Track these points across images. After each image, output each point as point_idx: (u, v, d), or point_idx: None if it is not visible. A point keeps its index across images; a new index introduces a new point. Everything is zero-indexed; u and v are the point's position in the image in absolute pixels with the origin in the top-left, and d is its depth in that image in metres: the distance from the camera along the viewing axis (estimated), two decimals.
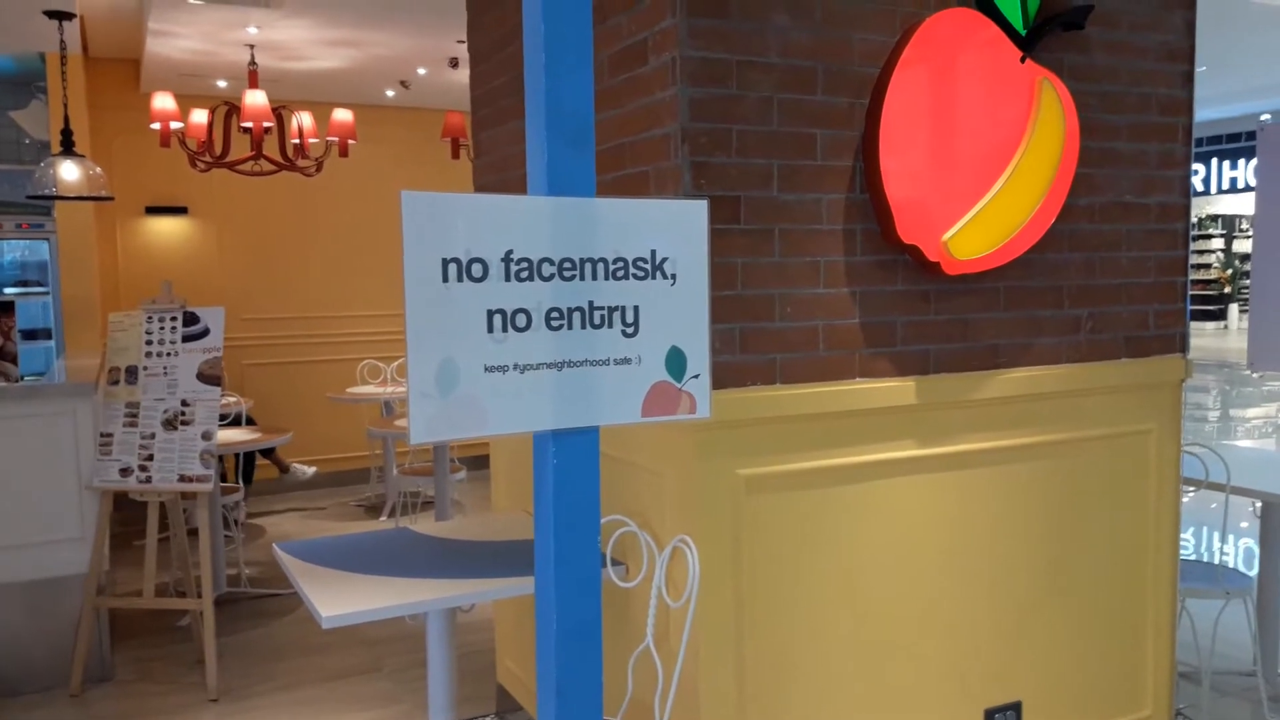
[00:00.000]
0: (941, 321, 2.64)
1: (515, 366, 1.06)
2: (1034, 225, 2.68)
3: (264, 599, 4.99)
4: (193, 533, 4.64)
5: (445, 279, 1.02)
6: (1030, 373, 2.76)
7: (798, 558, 2.50)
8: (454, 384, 1.05)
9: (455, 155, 6.23)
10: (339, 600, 2.43)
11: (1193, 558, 4.98)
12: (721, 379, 2.36)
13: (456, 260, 1.02)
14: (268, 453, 6.89)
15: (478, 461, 7.26)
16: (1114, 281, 2.91)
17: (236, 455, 6.61)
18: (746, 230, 2.38)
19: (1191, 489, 3.40)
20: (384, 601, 2.45)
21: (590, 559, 1.12)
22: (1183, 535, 3.14)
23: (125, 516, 5.57)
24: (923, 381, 2.60)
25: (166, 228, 7.10)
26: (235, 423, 5.62)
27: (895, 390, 2.56)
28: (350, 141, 5.89)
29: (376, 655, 4.24)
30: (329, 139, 5.89)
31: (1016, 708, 2.81)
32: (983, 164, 2.60)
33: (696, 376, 1.14)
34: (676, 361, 1.14)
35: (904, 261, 2.58)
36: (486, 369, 1.05)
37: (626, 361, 1.11)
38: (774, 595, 2.48)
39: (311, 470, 7.03)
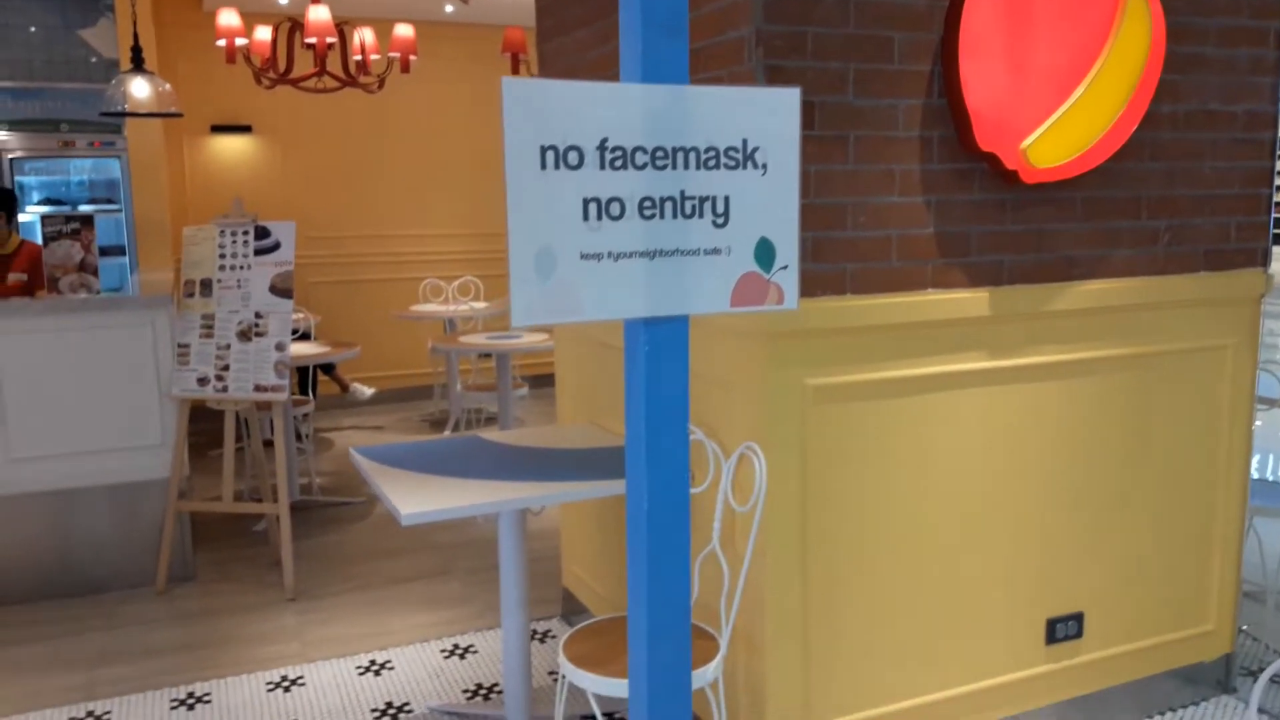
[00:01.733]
0: (1016, 232, 2.61)
1: (609, 255, 1.08)
2: (1114, 133, 2.61)
3: (335, 507, 5.16)
4: (267, 444, 4.80)
5: (543, 166, 1.04)
6: (1105, 285, 2.72)
7: (864, 467, 2.52)
8: (551, 270, 1.07)
9: (515, 70, 6.19)
10: (416, 500, 2.52)
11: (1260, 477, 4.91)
12: None
13: (554, 148, 1.03)
14: (328, 371, 7.05)
15: (538, 380, 7.37)
16: (1195, 192, 2.83)
17: (301, 370, 6.78)
18: (820, 137, 2.35)
19: (1264, 406, 3.35)
20: (459, 501, 2.52)
21: (679, 441, 1.15)
22: (1253, 454, 3.11)
23: (199, 428, 5.76)
24: (996, 293, 2.58)
25: (231, 146, 7.19)
26: (303, 337, 5.75)
27: (967, 302, 2.55)
28: (411, 57, 5.88)
29: (446, 560, 4.38)
30: (390, 55, 5.89)
31: (1079, 618, 2.84)
32: (1064, 69, 2.53)
33: (785, 268, 1.15)
34: (765, 252, 1.15)
35: (980, 170, 2.54)
36: (582, 256, 1.07)
37: (716, 252, 1.13)
38: (839, 503, 2.51)
39: (370, 391, 7.18)
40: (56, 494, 4.04)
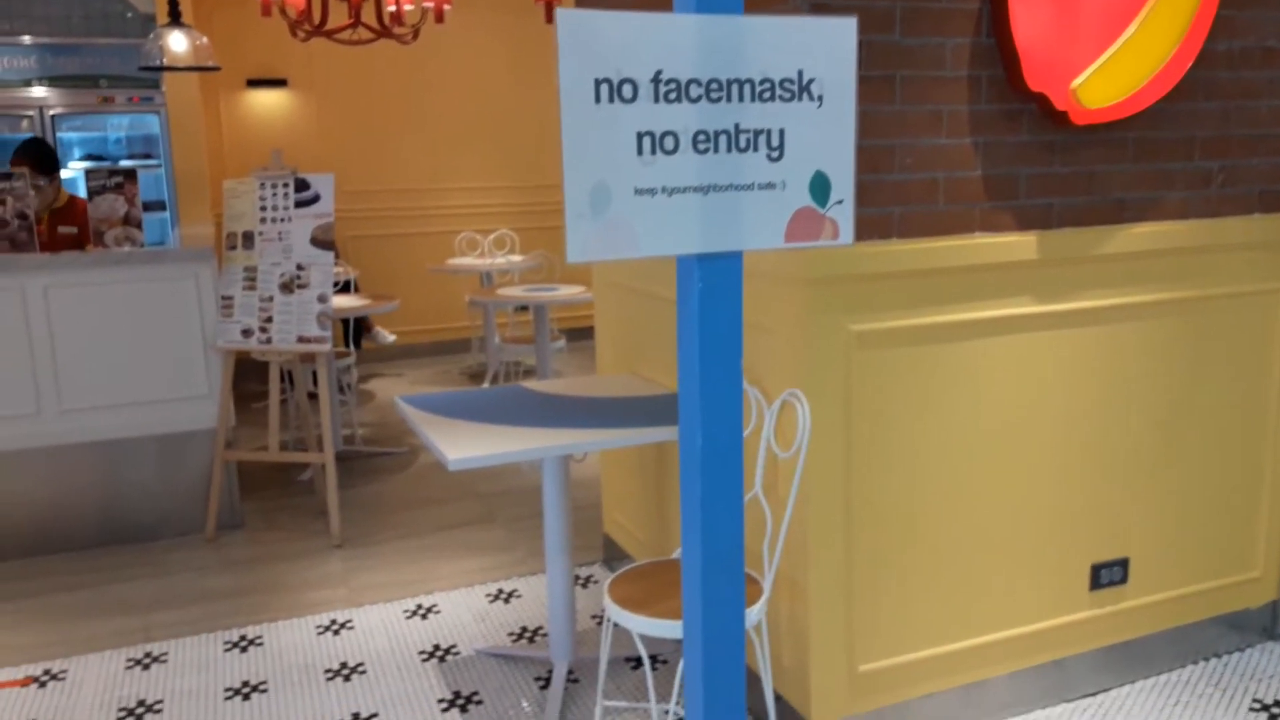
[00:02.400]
0: (1066, 174, 2.56)
1: (663, 190, 1.07)
2: (1168, 72, 2.55)
3: (378, 457, 5.23)
4: (310, 396, 4.87)
5: (597, 100, 1.03)
6: (1156, 228, 2.67)
7: (908, 413, 2.51)
8: (606, 206, 1.07)
9: (549, 19, 6.13)
10: (463, 446, 2.54)
11: None
12: None
13: (608, 80, 1.02)
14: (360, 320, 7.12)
15: (576, 334, 7.39)
16: (1250, 133, 2.76)
17: (344, 323, 6.84)
18: (866, 77, 2.31)
19: None
20: (505, 448, 2.55)
21: (733, 378, 1.15)
22: None
23: (242, 381, 5.84)
24: (1044, 236, 2.54)
25: (267, 100, 7.20)
26: (345, 290, 5.79)
27: (1015, 245, 2.51)
28: (445, 7, 5.84)
29: (489, 508, 4.44)
30: (425, 5, 5.85)
31: (1124, 564, 2.83)
32: (1116, 6, 2.46)
33: (840, 202, 1.14)
34: (821, 186, 1.14)
35: (1030, 111, 2.49)
36: (636, 191, 1.06)
37: (771, 186, 1.12)
38: (883, 450, 2.51)
39: (391, 338, 7.25)
40: (107, 444, 4.13)
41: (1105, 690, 2.84)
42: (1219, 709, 2.74)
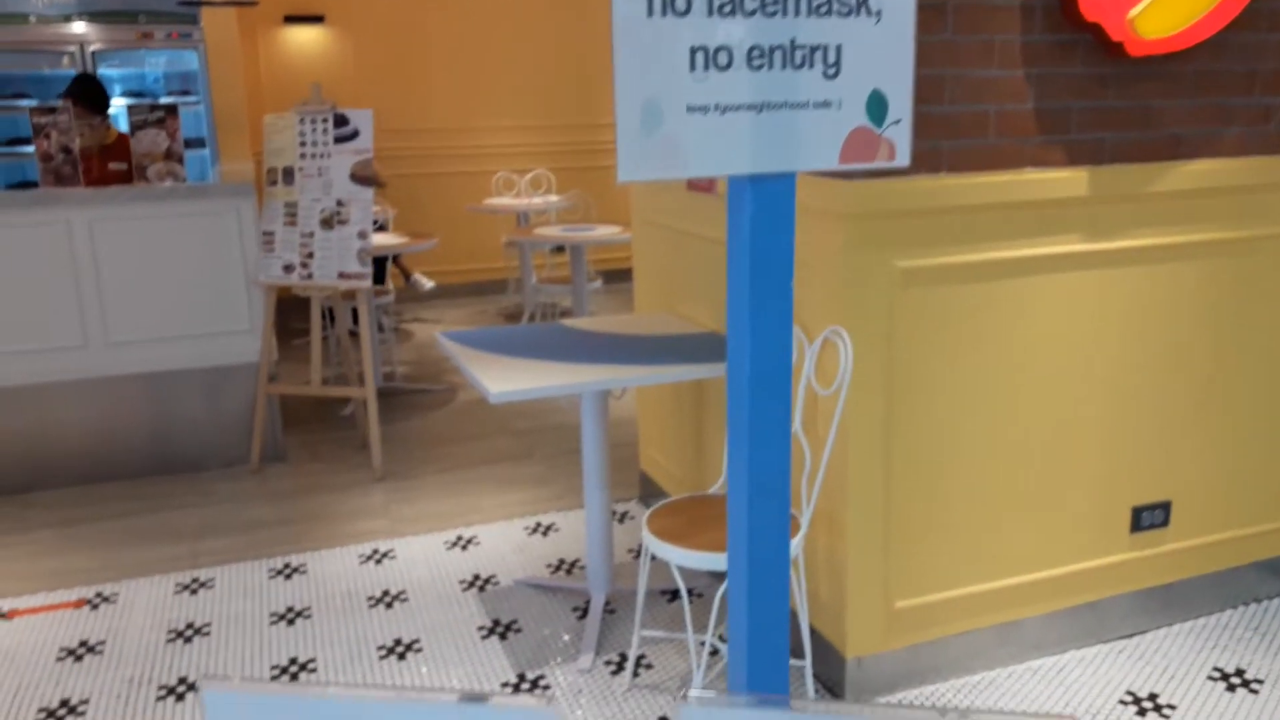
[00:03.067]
0: (1120, 108, 2.49)
1: (716, 107, 1.05)
2: (1229, 1, 2.46)
3: (417, 394, 5.28)
4: (351, 334, 4.91)
5: (650, 12, 1.01)
6: (1212, 165, 2.60)
7: (952, 352, 2.49)
8: (658, 124, 1.05)
9: None
10: (504, 380, 2.56)
11: None
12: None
13: None
14: (395, 259, 7.12)
15: (612, 276, 7.38)
16: None
17: (378, 261, 6.86)
18: (916, 4, 2.25)
19: None
20: (545, 382, 2.56)
21: (784, 302, 1.14)
22: None
23: (283, 318, 5.90)
24: (1096, 172, 2.48)
25: (304, 37, 7.17)
26: (380, 229, 5.81)
27: (1066, 181, 2.46)
28: None
29: (527, 444, 4.48)
30: None
31: (1166, 507, 2.80)
32: None
33: (897, 122, 1.12)
34: (878, 105, 1.11)
35: (1084, 42, 2.42)
36: (688, 109, 1.05)
37: (826, 105, 1.09)
38: (925, 388, 2.49)
39: (431, 284, 7.23)
40: (153, 376, 4.20)
41: (1141, 633, 2.84)
42: (1256, 653, 2.73)
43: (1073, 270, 2.54)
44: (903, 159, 1.12)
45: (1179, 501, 2.82)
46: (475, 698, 0.68)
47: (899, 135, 1.12)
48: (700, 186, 3.03)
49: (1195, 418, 2.78)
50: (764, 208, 1.13)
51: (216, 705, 0.69)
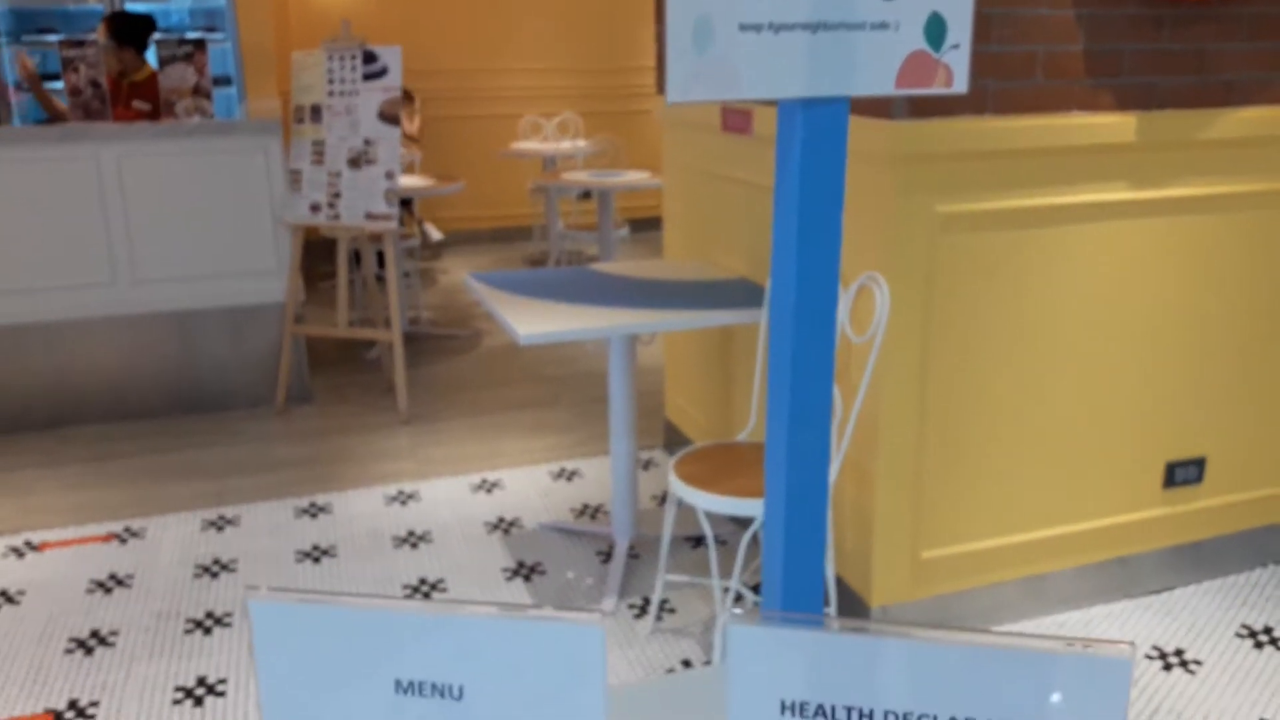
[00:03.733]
0: (1173, 52, 2.41)
1: (770, 26, 1.01)
2: None
3: (443, 339, 5.28)
4: (377, 279, 4.89)
5: None
6: (1267, 113, 2.52)
7: (990, 301, 2.44)
8: (709, 42, 1.01)
9: None
10: (532, 322, 2.54)
11: None
12: (924, 106, 2.24)
13: None
14: (405, 205, 7.08)
15: (638, 225, 7.32)
16: None
17: (402, 204, 6.82)
18: None
19: None
20: (574, 324, 2.54)
21: (833, 233, 1.10)
22: None
23: (309, 261, 5.89)
24: (1145, 118, 2.41)
25: None
26: (408, 170, 5.77)
27: (1114, 126, 2.39)
28: None
29: (554, 391, 4.47)
30: None
31: (1200, 463, 2.76)
32: None
33: (956, 47, 1.07)
34: (936, 28, 1.07)
35: None
36: (741, 27, 1.01)
37: (884, 26, 1.05)
38: (962, 337, 2.45)
39: (439, 235, 7.19)
40: (179, 315, 4.21)
41: (1170, 589, 2.82)
42: None
43: (1117, 219, 2.48)
44: (960, 85, 1.08)
45: (1214, 458, 2.78)
46: (520, 608, 0.66)
47: (957, 61, 1.07)
48: (736, 127, 2.98)
49: (1235, 374, 2.73)
50: (816, 133, 1.09)
51: (263, 616, 0.67)
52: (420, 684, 0.68)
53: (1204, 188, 2.53)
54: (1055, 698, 0.61)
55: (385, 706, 0.69)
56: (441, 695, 0.68)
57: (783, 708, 0.66)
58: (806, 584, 1.16)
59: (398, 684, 0.68)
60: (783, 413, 1.15)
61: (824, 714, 0.65)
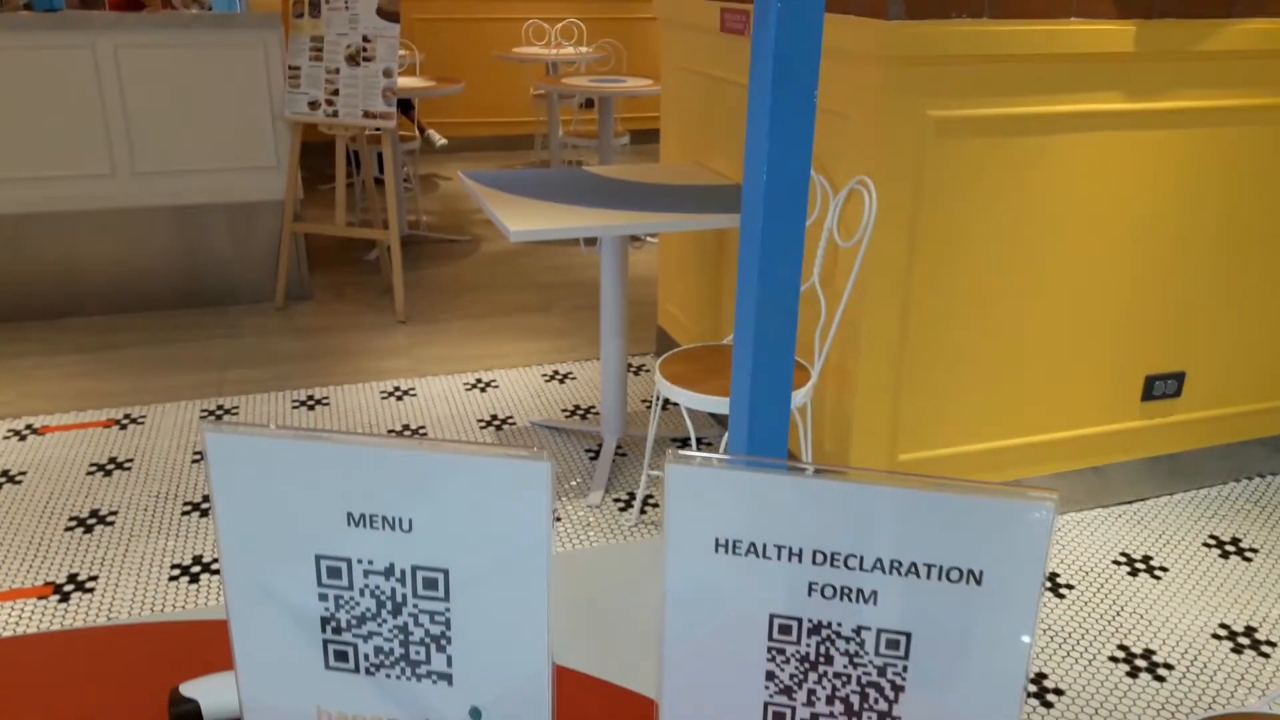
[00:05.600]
0: None
1: None
2: None
3: (441, 243, 5.29)
4: (376, 182, 4.88)
5: None
6: (1267, 24, 2.50)
7: (979, 208, 2.46)
8: None
9: None
10: (524, 219, 2.56)
11: None
12: (921, 6, 2.23)
13: None
14: (406, 111, 7.01)
15: (639, 136, 7.25)
16: None
17: (402, 104, 6.75)
18: None
19: None
20: (566, 223, 2.56)
21: (807, 106, 1.12)
22: None
23: (308, 163, 5.87)
24: (1145, 26, 2.39)
25: None
26: (409, 72, 5.70)
27: (1112, 34, 2.37)
28: None
29: (548, 298, 4.50)
30: None
31: (1179, 377, 2.80)
32: None
33: None
34: None
35: None
36: None
37: None
38: (948, 243, 2.47)
39: (443, 140, 7.13)
40: (179, 209, 4.22)
41: (1143, 499, 2.89)
42: (1255, 524, 2.77)
43: (1108, 130, 2.48)
44: None
45: (1193, 373, 2.82)
46: (468, 445, 0.70)
47: None
48: (733, 28, 2.95)
49: (1218, 290, 2.75)
50: (791, 6, 1.10)
51: (219, 448, 0.71)
52: (371, 516, 0.72)
53: (1196, 100, 2.51)
54: (979, 540, 0.65)
55: (337, 538, 0.73)
56: (392, 528, 0.72)
57: (716, 545, 0.70)
58: (770, 440, 1.21)
59: (349, 516, 0.72)
60: (749, 303, 1.18)
61: (755, 551, 0.69)
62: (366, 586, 0.72)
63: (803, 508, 0.67)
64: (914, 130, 2.33)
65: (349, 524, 0.71)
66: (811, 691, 0.70)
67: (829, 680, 0.69)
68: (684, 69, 3.41)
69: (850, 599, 0.67)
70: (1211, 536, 2.71)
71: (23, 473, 2.99)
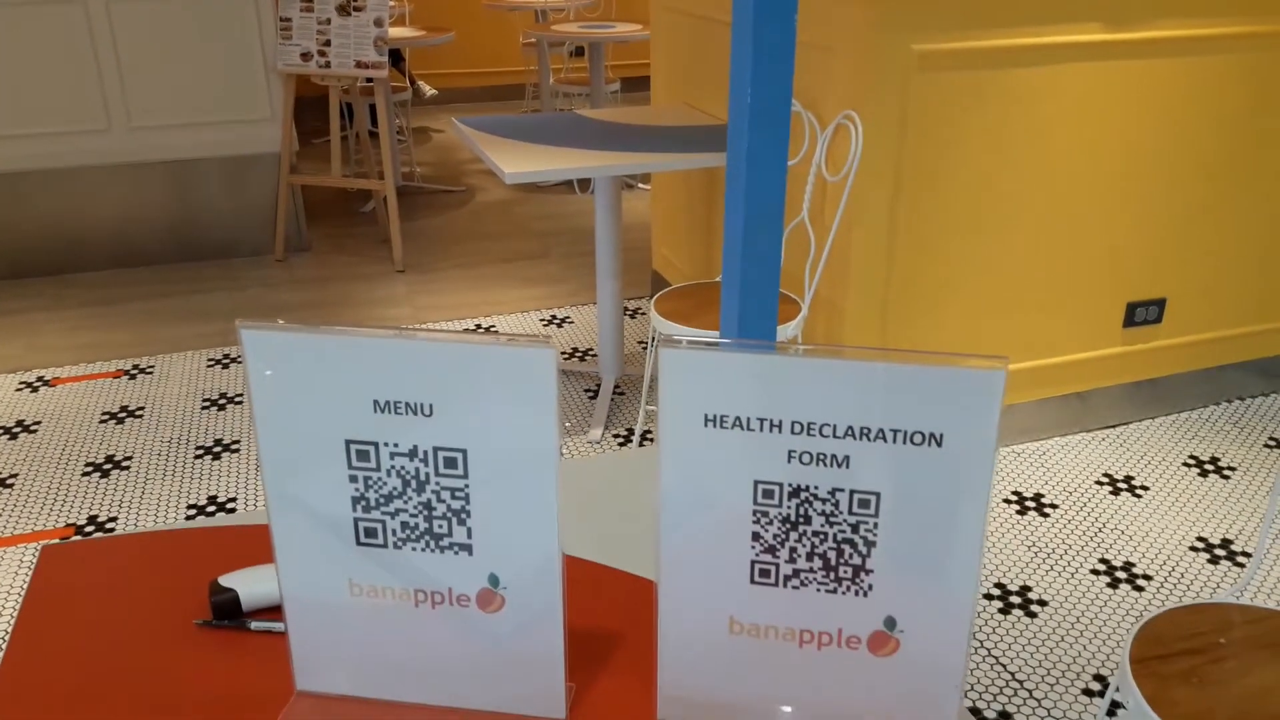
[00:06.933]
0: None
1: None
2: None
3: (437, 194, 5.33)
4: (370, 134, 4.91)
5: None
6: None
7: (963, 140, 2.51)
8: None
9: None
10: (518, 162, 2.61)
11: None
12: None
13: None
14: (397, 62, 6.99)
15: (630, 84, 7.24)
16: None
17: (393, 54, 6.73)
18: None
19: None
20: (559, 164, 2.61)
21: (787, 38, 1.18)
22: None
23: (301, 116, 5.87)
24: None
25: None
26: (399, 23, 5.70)
27: None
28: None
29: (544, 245, 4.56)
30: None
31: (1160, 304, 2.88)
32: None
33: None
34: None
35: None
36: None
37: None
38: (934, 175, 2.53)
39: (433, 91, 7.11)
40: (176, 163, 4.26)
41: (1125, 423, 2.98)
42: (1234, 444, 2.86)
43: (1090, 60, 2.53)
44: None
45: (1174, 299, 2.90)
46: (482, 337, 0.78)
47: None
48: None
49: (1198, 217, 2.82)
50: None
51: (254, 345, 0.79)
52: (395, 403, 0.80)
53: (1177, 30, 2.56)
54: (938, 405, 0.73)
55: (365, 423, 0.81)
56: (414, 413, 0.80)
57: (705, 420, 0.78)
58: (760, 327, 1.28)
59: (375, 404, 0.80)
60: (737, 227, 1.25)
61: (740, 425, 0.77)
62: (393, 467, 0.80)
63: (781, 383, 0.75)
64: (898, 64, 2.39)
65: (375, 410, 0.79)
66: (793, 549, 0.78)
67: (808, 539, 0.78)
68: (672, 9, 3.44)
69: (826, 464, 0.75)
70: (1191, 457, 2.81)
71: (37, 422, 3.07)
